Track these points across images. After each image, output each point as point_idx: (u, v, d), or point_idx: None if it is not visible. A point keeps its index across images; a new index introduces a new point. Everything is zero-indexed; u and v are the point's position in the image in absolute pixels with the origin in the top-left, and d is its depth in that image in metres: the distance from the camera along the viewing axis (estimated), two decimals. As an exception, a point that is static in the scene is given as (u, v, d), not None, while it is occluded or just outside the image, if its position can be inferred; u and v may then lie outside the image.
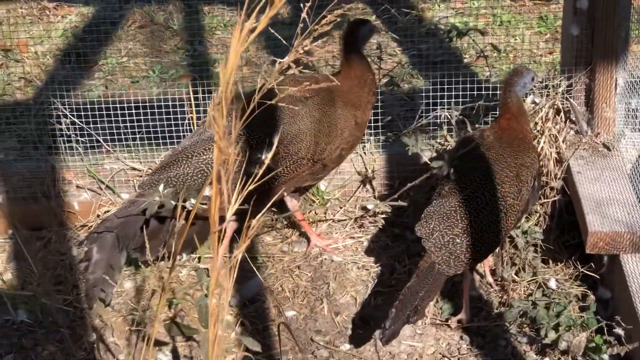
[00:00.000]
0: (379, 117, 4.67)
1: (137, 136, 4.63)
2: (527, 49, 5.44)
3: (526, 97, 4.32)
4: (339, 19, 2.53)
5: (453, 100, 4.56)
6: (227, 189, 1.84)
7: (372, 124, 4.63)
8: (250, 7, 2.20)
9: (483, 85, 4.63)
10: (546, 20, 6.11)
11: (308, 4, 2.51)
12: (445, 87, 4.60)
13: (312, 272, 4.26)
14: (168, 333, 3.80)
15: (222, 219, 2.21)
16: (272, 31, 2.99)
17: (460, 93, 4.58)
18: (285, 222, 4.56)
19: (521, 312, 3.83)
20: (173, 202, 3.84)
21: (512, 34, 5.84)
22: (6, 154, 4.81)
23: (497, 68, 5.43)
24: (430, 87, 4.72)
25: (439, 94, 4.61)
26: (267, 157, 2.05)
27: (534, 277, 4.09)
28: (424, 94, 4.70)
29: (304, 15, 2.43)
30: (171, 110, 4.68)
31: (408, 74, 5.60)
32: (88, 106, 4.71)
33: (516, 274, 4.11)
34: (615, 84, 4.36)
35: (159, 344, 3.84)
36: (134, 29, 6.30)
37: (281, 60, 2.46)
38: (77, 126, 4.61)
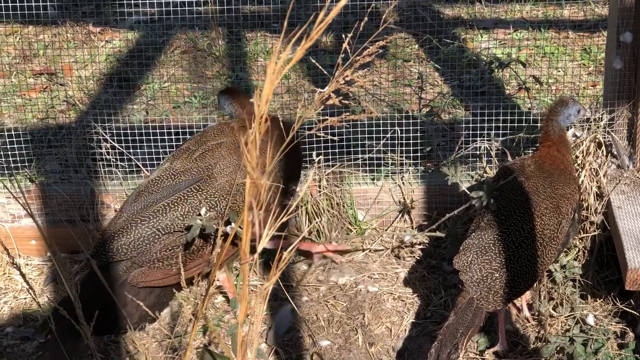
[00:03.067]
0: (419, 148, 4.66)
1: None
2: (570, 82, 5.40)
3: (568, 129, 4.28)
4: (380, 51, 2.53)
5: (493, 131, 4.54)
6: (259, 220, 1.83)
7: (412, 154, 4.61)
8: (288, 36, 2.21)
9: (524, 118, 4.60)
10: (590, 52, 6.07)
11: (349, 35, 2.52)
12: (486, 118, 4.58)
13: (348, 302, 4.24)
14: (200, 360, 3.79)
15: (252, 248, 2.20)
16: (313, 61, 3.00)
17: (501, 125, 4.56)
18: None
19: (558, 348, 3.77)
20: (215, 226, 3.82)
21: (555, 66, 5.81)
22: (47, 177, 4.85)
23: (539, 100, 5.39)
24: (471, 118, 4.69)
25: (479, 125, 4.59)
26: (300, 188, 2.04)
27: (571, 313, 4.03)
28: (464, 125, 4.69)
29: (345, 45, 2.44)
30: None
31: (449, 104, 5.58)
32: (129, 130, 4.75)
33: (554, 308, 4.06)
34: (659, 119, 4.32)
35: (192, 370, 3.84)
36: (177, 55, 6.34)
37: (322, 90, 2.46)
38: (117, 150, 4.64)
